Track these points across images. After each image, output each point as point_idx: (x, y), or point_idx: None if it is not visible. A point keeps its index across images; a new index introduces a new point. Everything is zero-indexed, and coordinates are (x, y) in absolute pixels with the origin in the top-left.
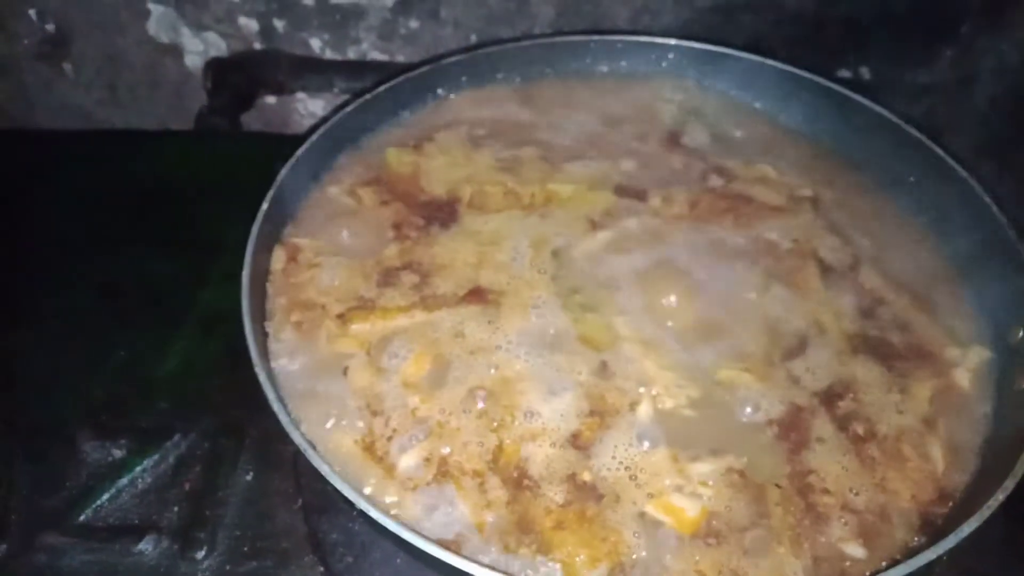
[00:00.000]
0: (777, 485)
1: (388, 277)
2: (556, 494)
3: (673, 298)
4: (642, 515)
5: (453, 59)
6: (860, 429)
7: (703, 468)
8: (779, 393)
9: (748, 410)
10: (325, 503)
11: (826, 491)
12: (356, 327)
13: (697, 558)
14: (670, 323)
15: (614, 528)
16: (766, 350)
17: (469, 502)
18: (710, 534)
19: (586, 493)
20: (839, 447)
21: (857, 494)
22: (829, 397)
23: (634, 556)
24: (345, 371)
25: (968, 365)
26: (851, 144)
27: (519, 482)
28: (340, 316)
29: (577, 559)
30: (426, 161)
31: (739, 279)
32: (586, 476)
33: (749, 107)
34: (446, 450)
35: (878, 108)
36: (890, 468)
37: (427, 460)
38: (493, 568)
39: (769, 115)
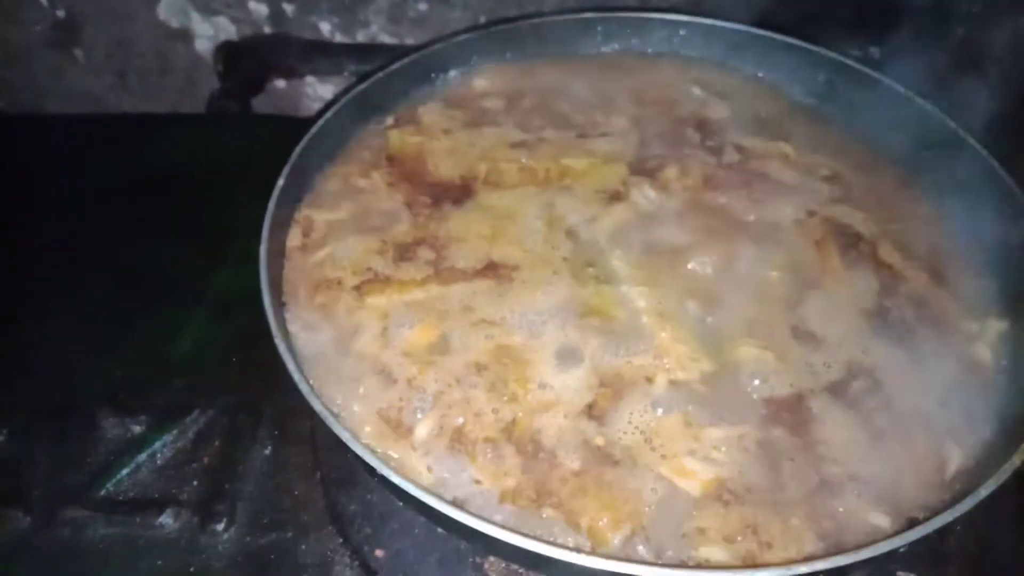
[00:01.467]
0: (791, 459)
1: (404, 252)
2: (572, 461)
3: (688, 271)
4: (659, 477)
5: (463, 38)
6: (873, 403)
7: (716, 434)
8: (794, 370)
9: (761, 385)
10: (343, 475)
11: (836, 462)
12: (372, 300)
13: (713, 518)
14: (684, 296)
15: (633, 491)
16: (782, 327)
17: (485, 470)
18: (724, 497)
19: (602, 458)
20: (852, 422)
21: (867, 464)
22: (845, 374)
23: (654, 517)
24: (354, 341)
25: (986, 339)
26: (866, 120)
27: (534, 451)
28: (356, 288)
29: (600, 523)
30: (430, 141)
31: (756, 255)
32: (600, 442)
33: (762, 83)
34: (459, 420)
35: (894, 84)
36: (904, 441)
37: (441, 429)
38: (513, 530)
39: (783, 92)
